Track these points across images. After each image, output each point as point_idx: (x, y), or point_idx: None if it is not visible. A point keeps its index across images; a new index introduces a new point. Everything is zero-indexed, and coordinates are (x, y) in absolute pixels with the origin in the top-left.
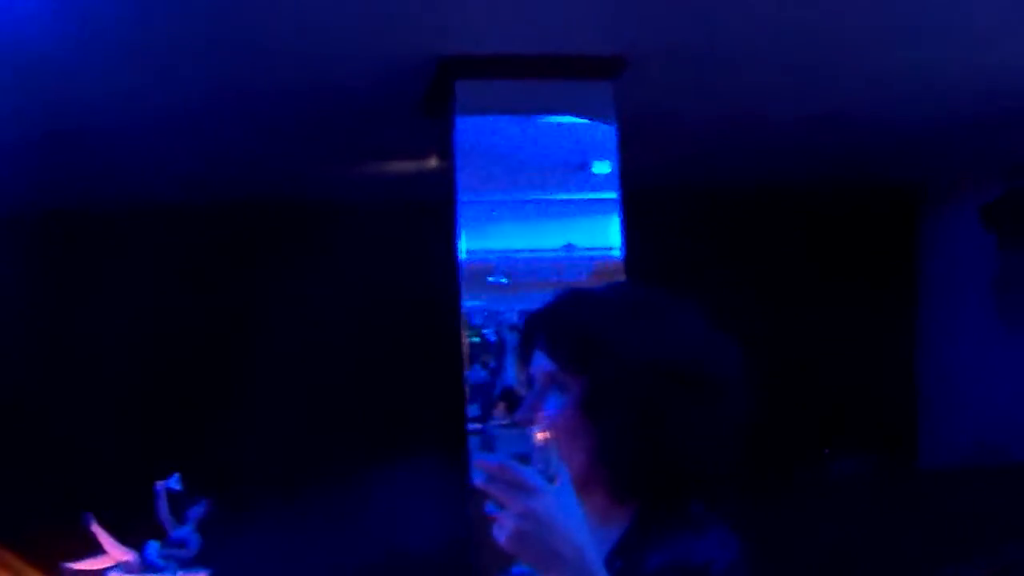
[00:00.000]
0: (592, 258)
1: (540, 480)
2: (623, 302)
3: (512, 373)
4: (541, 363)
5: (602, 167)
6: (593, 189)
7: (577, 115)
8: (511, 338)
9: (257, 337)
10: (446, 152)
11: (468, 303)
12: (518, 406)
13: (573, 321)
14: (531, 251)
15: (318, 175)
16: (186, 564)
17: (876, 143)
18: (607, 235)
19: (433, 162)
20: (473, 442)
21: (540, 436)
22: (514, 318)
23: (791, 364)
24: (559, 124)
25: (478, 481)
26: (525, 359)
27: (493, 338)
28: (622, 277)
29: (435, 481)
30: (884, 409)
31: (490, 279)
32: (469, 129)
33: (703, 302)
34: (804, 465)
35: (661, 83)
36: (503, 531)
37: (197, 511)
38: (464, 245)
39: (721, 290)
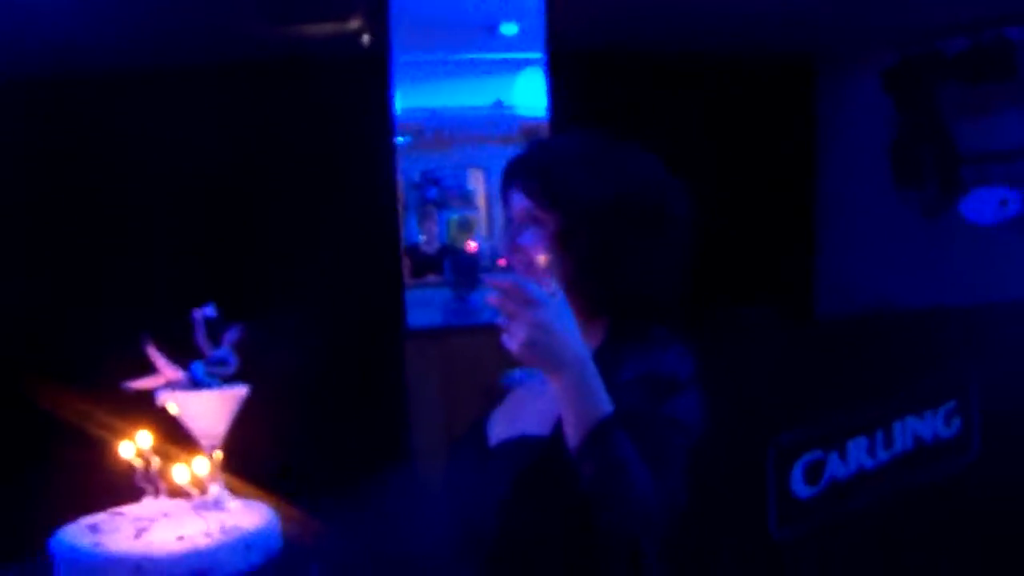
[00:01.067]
0: (518, 116)
1: (543, 293)
2: (589, 146)
3: (414, 230)
4: (517, 201)
5: (527, 28)
6: (514, 49)
7: None
8: (413, 197)
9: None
10: (375, 15)
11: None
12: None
13: (546, 163)
14: (461, 109)
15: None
16: (228, 379)
17: (777, 12)
18: (533, 94)
19: (355, 24)
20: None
21: (542, 259)
22: (416, 177)
23: (701, 220)
24: None
25: (491, 298)
26: (504, 201)
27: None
28: (546, 134)
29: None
30: (786, 265)
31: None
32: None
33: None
34: (711, 313)
35: None
36: (514, 339)
37: (232, 335)
38: (399, 103)
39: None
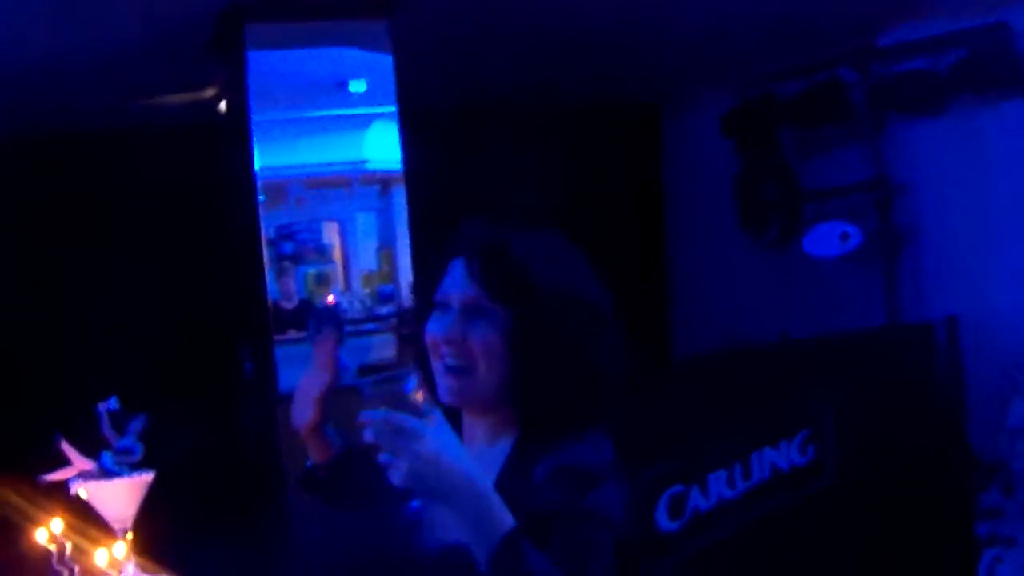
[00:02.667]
0: (373, 170)
1: (420, 423)
2: (545, 244)
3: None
4: (463, 286)
5: (381, 86)
6: (364, 105)
7: (352, 44)
8: (269, 253)
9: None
10: (234, 83)
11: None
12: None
13: (508, 258)
14: (322, 165)
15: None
16: (135, 466)
17: (618, 62)
18: (386, 148)
19: (211, 92)
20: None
21: (418, 394)
22: (271, 233)
23: None
24: (339, 53)
25: (368, 436)
26: (435, 273)
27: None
28: (403, 189)
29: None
30: (640, 311)
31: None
32: (261, 63)
33: (474, 211)
34: None
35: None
36: (398, 474)
37: (136, 424)
38: (259, 163)
39: (486, 201)
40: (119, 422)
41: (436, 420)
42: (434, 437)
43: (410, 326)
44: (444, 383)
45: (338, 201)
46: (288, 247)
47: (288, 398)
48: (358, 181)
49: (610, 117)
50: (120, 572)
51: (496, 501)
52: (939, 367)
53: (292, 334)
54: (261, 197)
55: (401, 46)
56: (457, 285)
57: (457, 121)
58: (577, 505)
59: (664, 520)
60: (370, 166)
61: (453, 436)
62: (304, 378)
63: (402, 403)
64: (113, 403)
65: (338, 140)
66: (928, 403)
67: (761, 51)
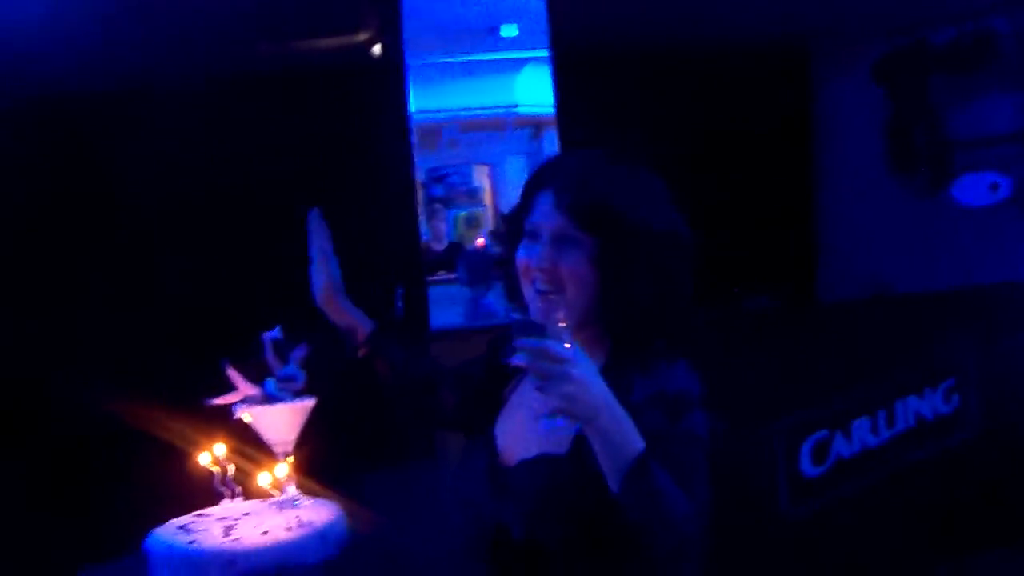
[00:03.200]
0: (523, 113)
1: (569, 351)
2: (629, 177)
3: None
4: (552, 217)
5: (533, 29)
6: (515, 49)
7: None
8: (420, 196)
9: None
10: (388, 27)
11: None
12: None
13: (594, 189)
14: (467, 108)
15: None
16: (297, 393)
17: (769, 4)
18: (536, 92)
19: (364, 35)
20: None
21: (561, 323)
22: (421, 176)
23: (703, 212)
24: None
25: (520, 361)
26: (524, 206)
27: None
28: (554, 132)
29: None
30: (787, 251)
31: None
32: (415, 7)
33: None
34: (717, 303)
35: None
36: (552, 396)
37: (299, 353)
38: (414, 106)
39: (638, 142)
40: (282, 351)
41: (575, 346)
42: (581, 363)
43: (503, 249)
44: (536, 304)
45: (489, 144)
46: (439, 190)
47: (438, 336)
48: (510, 124)
49: (761, 60)
50: (281, 492)
51: (630, 424)
52: None
53: (441, 275)
54: (414, 140)
55: None
56: (547, 215)
57: (608, 64)
58: (675, 428)
59: (807, 465)
60: (522, 109)
61: (593, 365)
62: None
63: (550, 332)
64: (277, 332)
65: (490, 83)
66: None
67: None
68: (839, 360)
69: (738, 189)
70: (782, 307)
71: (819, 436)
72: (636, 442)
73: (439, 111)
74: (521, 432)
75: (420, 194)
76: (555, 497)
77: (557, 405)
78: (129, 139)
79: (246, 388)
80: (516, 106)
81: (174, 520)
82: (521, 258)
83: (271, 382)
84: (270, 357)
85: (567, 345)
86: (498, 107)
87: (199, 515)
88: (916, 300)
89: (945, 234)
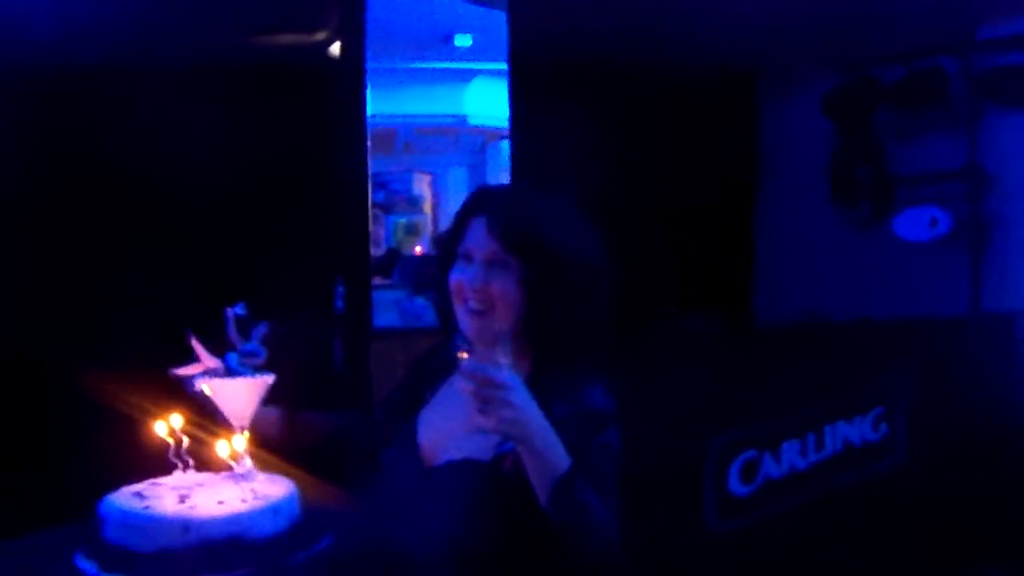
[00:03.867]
0: (472, 124)
1: (512, 377)
2: (555, 207)
3: None
4: (485, 241)
5: (464, 40)
6: (468, 60)
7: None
8: None
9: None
10: (350, 28)
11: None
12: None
13: (523, 217)
14: (427, 116)
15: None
16: (258, 368)
17: (720, 28)
18: (486, 104)
19: (323, 34)
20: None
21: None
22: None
23: (645, 233)
24: (454, 5)
25: (464, 386)
26: (458, 230)
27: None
28: (498, 145)
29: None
30: (726, 277)
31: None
32: (378, 10)
33: (573, 169)
34: (656, 323)
35: None
36: (492, 419)
37: (260, 330)
38: (370, 109)
39: (586, 160)
40: (245, 327)
41: (510, 367)
42: (520, 390)
43: (434, 275)
44: (467, 322)
45: (439, 152)
46: (380, 195)
47: (377, 335)
48: (460, 134)
49: (711, 83)
50: (237, 464)
51: (558, 444)
52: (1019, 358)
53: (377, 280)
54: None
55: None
56: (480, 240)
57: (557, 79)
58: (593, 440)
59: (736, 483)
60: (472, 120)
61: (525, 388)
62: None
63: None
64: (240, 308)
65: (441, 92)
66: (1005, 393)
67: (865, 35)
68: (772, 383)
69: (681, 209)
70: (718, 328)
71: (748, 456)
72: (564, 459)
73: (393, 116)
74: (448, 433)
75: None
76: (479, 499)
77: (496, 428)
78: (96, 120)
79: (208, 360)
80: (466, 116)
81: (128, 487)
82: (455, 279)
83: (233, 356)
84: (232, 332)
85: (508, 368)
86: (448, 116)
87: (153, 483)
88: (851, 328)
89: (884, 266)
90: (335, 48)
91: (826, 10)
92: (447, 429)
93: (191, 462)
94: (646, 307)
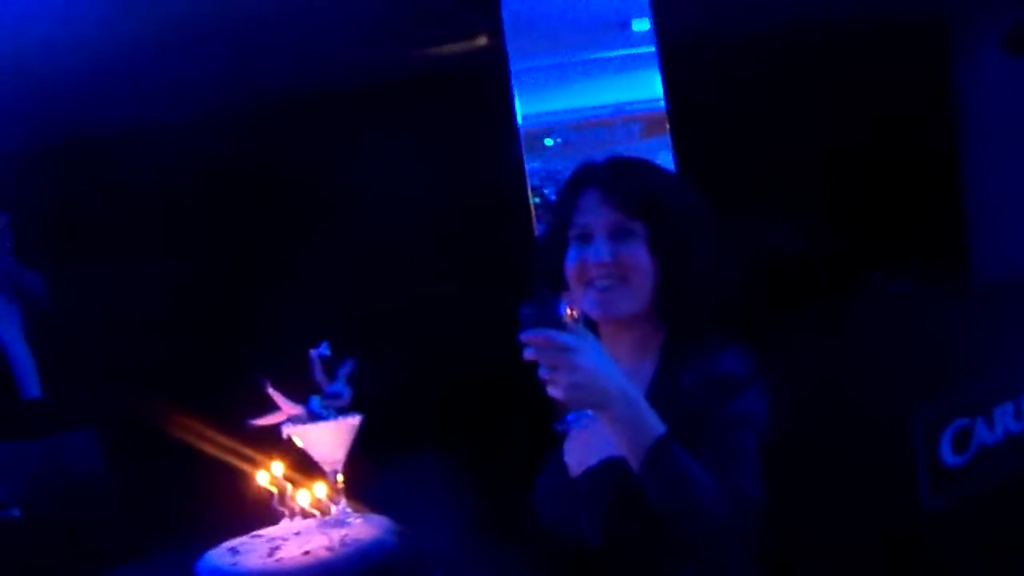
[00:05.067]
0: (640, 111)
1: (575, 339)
2: (658, 168)
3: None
4: (602, 213)
5: (640, 24)
6: (633, 45)
7: None
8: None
9: (344, 219)
10: (493, 28)
11: (528, 166)
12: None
13: (639, 180)
14: (582, 110)
15: (364, 60)
16: (342, 410)
17: None
18: (651, 88)
19: (480, 40)
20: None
21: (570, 312)
22: (535, 180)
23: (842, 195)
24: None
25: (528, 354)
26: (565, 211)
27: (554, 198)
28: (667, 129)
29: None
30: (935, 234)
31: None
32: (516, 10)
33: (751, 143)
34: (859, 287)
35: None
36: (558, 387)
37: (345, 369)
38: (521, 110)
39: (768, 131)
40: (330, 367)
41: (591, 339)
42: (590, 351)
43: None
44: (595, 302)
45: (600, 144)
46: (552, 192)
47: None
48: (620, 122)
49: (894, 37)
50: (327, 511)
51: (647, 409)
52: None
53: None
54: (524, 145)
55: None
56: (597, 212)
57: (724, 53)
58: (721, 410)
59: (948, 454)
60: (633, 107)
61: (604, 352)
62: None
63: (559, 324)
64: (324, 348)
65: (597, 82)
66: None
67: None
68: (984, 345)
69: (880, 173)
70: (927, 291)
71: (960, 423)
72: (654, 427)
73: (547, 114)
74: (583, 443)
75: (535, 199)
76: (623, 498)
77: (563, 396)
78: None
79: (288, 407)
80: (627, 103)
81: (228, 542)
82: (574, 261)
83: (315, 399)
84: (318, 374)
85: (581, 335)
86: (607, 106)
87: (253, 536)
88: None
89: None
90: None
91: None
92: (586, 439)
93: (297, 509)
94: (852, 273)
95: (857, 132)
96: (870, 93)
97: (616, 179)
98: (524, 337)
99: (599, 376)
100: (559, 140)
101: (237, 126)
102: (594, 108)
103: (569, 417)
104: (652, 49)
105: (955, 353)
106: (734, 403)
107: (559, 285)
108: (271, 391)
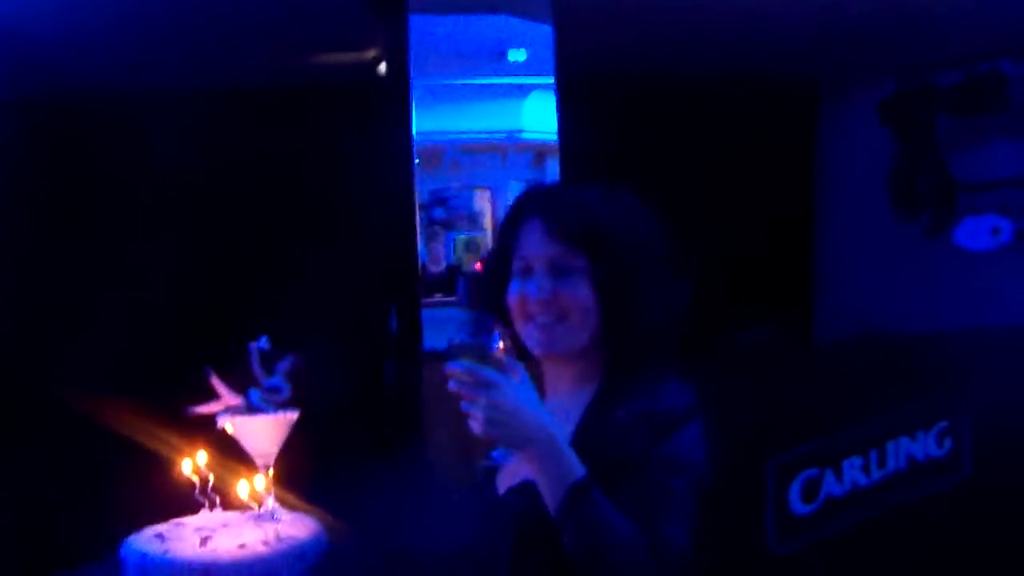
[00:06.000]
0: (527, 139)
1: (499, 376)
2: (607, 195)
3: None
4: (543, 246)
5: (538, 55)
6: (522, 74)
7: (513, 12)
8: (420, 218)
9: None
10: (395, 46)
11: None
12: (430, 283)
13: (583, 211)
14: (476, 132)
15: (262, 64)
16: (281, 405)
17: (779, 39)
18: (542, 118)
19: (371, 53)
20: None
21: (500, 347)
22: (424, 198)
23: (701, 247)
24: (499, 20)
25: (451, 387)
26: (507, 241)
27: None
28: (556, 158)
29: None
30: (784, 289)
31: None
32: (422, 27)
33: (625, 182)
34: (714, 338)
35: None
36: (477, 423)
37: (284, 365)
38: (416, 127)
39: (640, 173)
40: (269, 361)
41: (519, 374)
42: (512, 389)
43: (488, 289)
44: (537, 338)
45: (491, 169)
46: (440, 212)
47: (431, 356)
48: (512, 149)
49: (766, 92)
50: (260, 505)
51: (568, 452)
52: None
53: (438, 297)
54: (416, 161)
55: (561, 15)
56: (538, 245)
57: (611, 92)
58: (653, 450)
59: (797, 503)
60: (525, 135)
61: (532, 390)
62: None
63: (487, 359)
64: (264, 342)
65: (494, 108)
66: None
67: (922, 39)
68: (833, 398)
69: (738, 222)
70: (778, 343)
71: (810, 474)
72: (575, 470)
73: (442, 133)
74: (513, 462)
75: (421, 216)
76: (534, 522)
77: (481, 432)
78: (129, 140)
79: (229, 397)
80: (520, 131)
81: (151, 527)
82: (515, 295)
83: (255, 392)
84: (256, 367)
85: (509, 371)
86: (501, 131)
87: (176, 523)
88: (913, 341)
89: (945, 277)
90: (382, 67)
91: (882, 15)
92: (515, 458)
93: (217, 501)
94: (704, 323)
95: (725, 179)
96: (739, 144)
97: (559, 209)
98: (448, 369)
99: (520, 414)
100: (451, 160)
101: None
102: (488, 132)
103: (495, 453)
104: (550, 80)
105: (806, 405)
106: (668, 444)
107: (502, 316)
108: (213, 379)
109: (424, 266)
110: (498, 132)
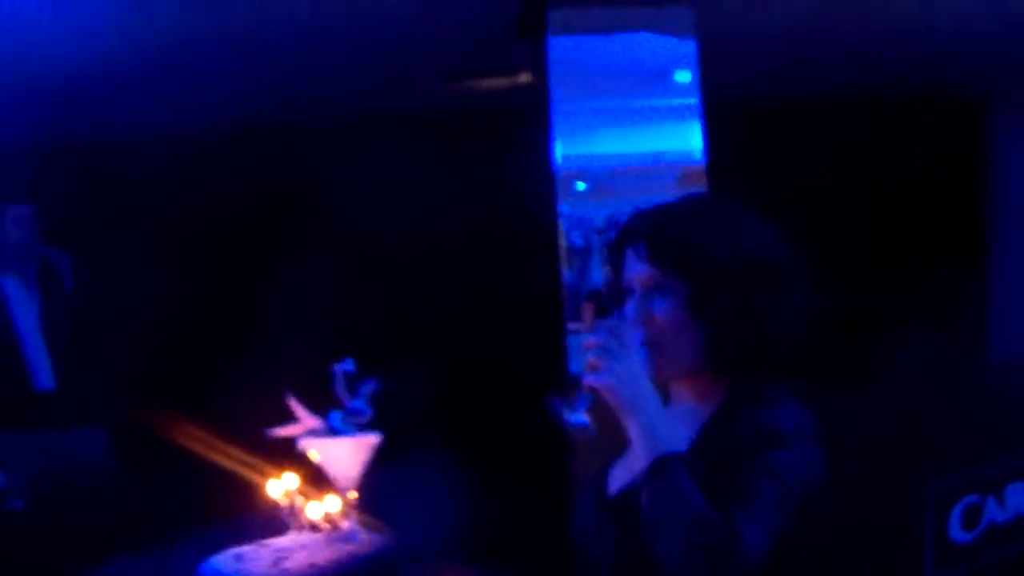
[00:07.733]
0: (676, 163)
1: (638, 343)
2: (708, 211)
3: (597, 275)
4: (639, 269)
5: (683, 76)
6: (675, 96)
7: (659, 33)
8: (596, 241)
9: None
10: (538, 68)
11: (562, 208)
12: (606, 306)
13: (674, 231)
14: (620, 156)
15: (410, 91)
16: (362, 427)
17: (942, 56)
18: (690, 142)
19: (523, 77)
20: (571, 340)
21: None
22: (600, 223)
23: (868, 264)
24: (643, 40)
25: (596, 336)
26: (616, 264)
27: (580, 243)
28: (704, 183)
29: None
30: (957, 307)
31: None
32: (561, 48)
33: (779, 205)
34: (879, 356)
35: (736, 4)
36: (601, 375)
37: (367, 387)
38: (559, 151)
39: (797, 196)
40: (353, 384)
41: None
42: (640, 362)
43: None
44: (647, 359)
45: (634, 192)
46: (579, 236)
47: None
48: (655, 172)
49: (933, 113)
50: (343, 528)
51: (665, 425)
52: None
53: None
54: (586, 185)
55: (704, 35)
56: (634, 269)
57: (763, 113)
58: (753, 456)
59: (957, 530)
60: (669, 158)
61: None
62: None
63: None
64: (348, 365)
65: (637, 130)
66: None
67: None
68: (1000, 421)
69: (911, 241)
70: (946, 362)
71: (971, 500)
72: (671, 445)
73: (586, 157)
74: (628, 466)
75: (597, 240)
76: (638, 528)
77: (605, 383)
78: (276, 174)
79: (309, 420)
80: (664, 154)
81: (233, 549)
82: (627, 316)
83: (337, 415)
84: (340, 390)
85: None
86: (645, 155)
87: (260, 545)
88: None
89: None
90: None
91: None
92: (629, 462)
93: (306, 523)
94: (873, 341)
95: (890, 201)
96: (904, 166)
97: (654, 231)
98: (589, 340)
99: (642, 382)
100: (591, 185)
101: (280, 141)
102: (630, 155)
103: (575, 417)
104: (694, 101)
105: (969, 428)
106: (768, 454)
107: None
108: (292, 403)
109: (599, 291)
110: (642, 155)
